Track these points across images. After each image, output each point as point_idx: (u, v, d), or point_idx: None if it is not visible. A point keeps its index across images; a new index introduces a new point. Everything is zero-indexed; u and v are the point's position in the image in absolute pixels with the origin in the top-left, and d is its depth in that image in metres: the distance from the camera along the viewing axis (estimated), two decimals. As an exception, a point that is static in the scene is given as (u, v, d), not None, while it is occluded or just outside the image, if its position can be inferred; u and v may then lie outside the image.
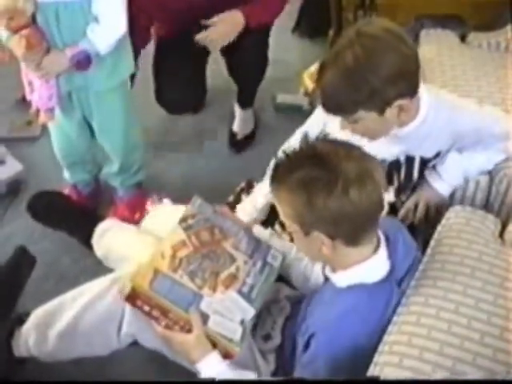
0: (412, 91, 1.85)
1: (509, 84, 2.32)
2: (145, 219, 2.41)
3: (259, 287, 1.91)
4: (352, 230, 1.59)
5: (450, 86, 2.33)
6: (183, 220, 1.98)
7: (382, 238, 1.70)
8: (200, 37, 2.67)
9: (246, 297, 1.88)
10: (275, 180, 1.63)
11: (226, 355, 1.78)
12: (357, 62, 1.75)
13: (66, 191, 2.85)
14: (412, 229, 2.03)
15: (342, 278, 1.69)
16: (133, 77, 2.68)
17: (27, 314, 2.10)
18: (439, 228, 1.91)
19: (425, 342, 1.57)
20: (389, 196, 2.18)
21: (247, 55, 2.79)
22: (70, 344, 2.01)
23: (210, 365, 1.75)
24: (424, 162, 2.13)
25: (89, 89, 2.41)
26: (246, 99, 3.11)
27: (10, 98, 3.25)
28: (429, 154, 2.09)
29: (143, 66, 2.90)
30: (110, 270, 2.19)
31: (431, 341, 1.57)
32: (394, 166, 2.12)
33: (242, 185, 2.56)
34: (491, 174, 2.15)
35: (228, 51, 2.85)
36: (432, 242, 1.86)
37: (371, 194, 1.55)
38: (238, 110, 3.20)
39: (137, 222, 2.47)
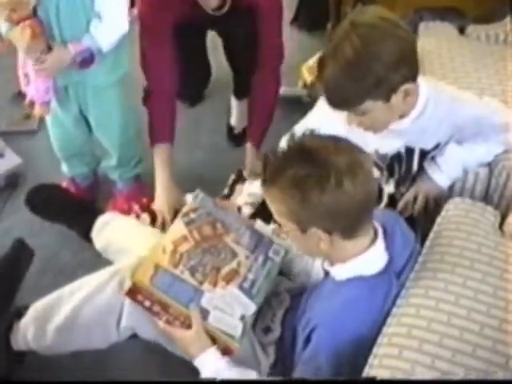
0: (414, 74, 1.84)
1: (508, 76, 2.32)
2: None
3: (261, 282, 1.92)
4: (348, 222, 1.59)
5: (449, 79, 2.32)
6: (185, 214, 1.99)
7: (380, 229, 1.70)
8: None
9: (247, 292, 1.88)
10: (266, 181, 1.62)
11: (226, 351, 1.79)
12: (357, 53, 1.74)
13: (65, 184, 2.84)
14: (411, 221, 2.02)
15: (341, 271, 1.69)
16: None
17: (26, 308, 2.10)
18: (438, 220, 1.91)
19: (424, 334, 1.57)
20: (389, 188, 2.18)
21: (241, 37, 2.79)
22: (69, 337, 2.02)
23: (208, 361, 1.75)
24: (423, 154, 2.13)
25: (86, 83, 2.41)
26: (242, 89, 3.10)
27: (7, 91, 3.24)
28: (428, 146, 2.10)
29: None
30: (108, 263, 2.19)
31: (431, 332, 1.57)
32: (396, 158, 2.13)
33: (233, 176, 2.58)
34: (490, 165, 2.15)
35: (224, 32, 2.90)
36: (431, 234, 1.86)
37: (364, 183, 1.55)
38: (234, 102, 3.20)
39: (136, 215, 2.47)
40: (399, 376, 1.51)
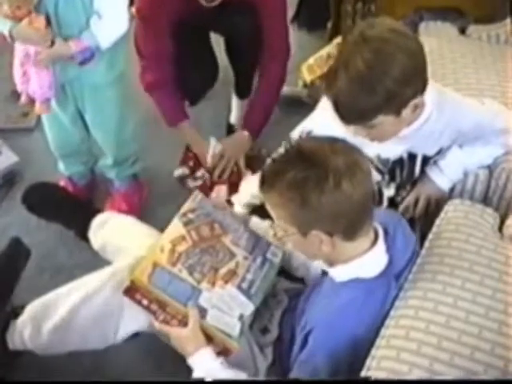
0: (424, 86, 1.83)
1: (509, 77, 2.32)
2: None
3: (259, 283, 1.92)
4: (349, 223, 1.59)
5: (449, 79, 2.33)
6: (183, 215, 1.99)
7: (381, 231, 1.70)
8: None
9: (246, 292, 1.88)
10: (265, 186, 1.62)
11: (225, 351, 1.79)
12: (369, 67, 1.72)
13: (62, 183, 2.84)
14: (411, 223, 2.02)
15: (340, 273, 1.69)
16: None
17: (22, 307, 2.10)
18: (438, 221, 1.91)
19: (422, 336, 1.57)
20: (389, 191, 2.19)
21: (243, 37, 2.80)
22: (65, 338, 2.02)
23: (202, 360, 1.76)
24: (426, 159, 2.13)
25: (83, 82, 2.40)
26: (243, 88, 3.10)
27: (4, 89, 3.23)
28: (431, 152, 2.10)
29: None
30: (106, 263, 2.19)
31: (429, 335, 1.57)
32: (398, 163, 2.13)
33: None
34: (490, 167, 2.15)
35: (226, 31, 2.91)
36: (430, 236, 1.86)
37: (363, 183, 1.55)
38: (235, 100, 3.19)
39: (134, 213, 2.48)
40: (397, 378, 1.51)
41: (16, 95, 2.55)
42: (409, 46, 1.76)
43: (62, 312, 1.99)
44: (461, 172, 2.15)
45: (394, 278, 1.69)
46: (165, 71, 2.76)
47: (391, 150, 2.06)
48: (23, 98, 2.39)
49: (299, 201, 1.53)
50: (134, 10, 2.66)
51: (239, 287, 1.88)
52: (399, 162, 2.12)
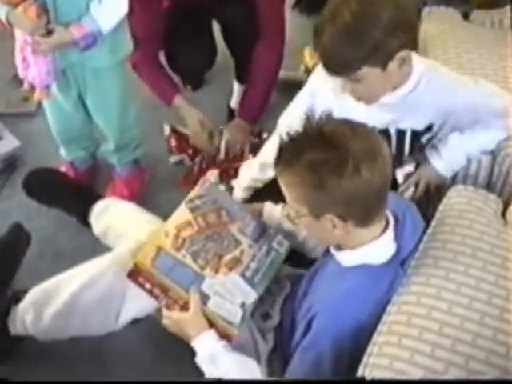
0: (412, 43, 1.83)
1: (512, 62, 2.31)
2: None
3: (263, 272, 1.92)
4: (364, 209, 1.57)
5: (452, 64, 2.31)
6: (190, 201, 1.98)
7: (391, 218, 1.69)
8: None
9: (249, 280, 1.88)
10: (281, 164, 1.59)
11: (225, 337, 1.78)
12: (355, 18, 1.73)
13: (63, 168, 2.84)
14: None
15: (348, 258, 1.68)
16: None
17: (24, 292, 2.10)
18: (441, 207, 1.90)
19: (424, 322, 1.57)
20: None
21: (240, 20, 2.80)
22: (67, 323, 2.02)
23: (205, 343, 1.75)
24: (415, 135, 2.10)
25: (85, 66, 2.39)
26: (243, 72, 3.09)
27: (5, 73, 3.23)
28: (420, 126, 2.06)
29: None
30: (108, 248, 2.19)
31: (431, 321, 1.57)
32: (383, 135, 2.09)
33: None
34: (494, 153, 2.13)
35: (222, 18, 2.91)
36: (433, 222, 1.85)
37: (382, 170, 1.54)
38: (236, 85, 3.19)
39: (135, 199, 2.47)
40: (398, 365, 1.51)
41: (18, 80, 2.55)
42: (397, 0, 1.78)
43: (64, 297, 1.99)
44: (462, 159, 2.14)
45: (400, 264, 1.68)
46: (151, 49, 2.80)
47: (378, 117, 2.03)
48: (25, 85, 2.38)
49: (316, 183, 1.52)
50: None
51: (243, 275, 1.88)
52: (387, 136, 2.09)
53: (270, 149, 2.27)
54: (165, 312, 1.83)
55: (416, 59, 1.91)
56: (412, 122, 2.05)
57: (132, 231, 2.13)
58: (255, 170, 2.35)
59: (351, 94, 1.91)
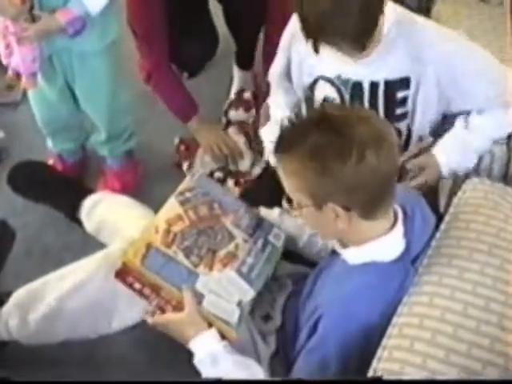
0: None
1: (532, 44, 2.30)
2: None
3: (260, 267, 1.91)
4: (369, 198, 1.56)
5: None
6: (180, 193, 1.98)
7: (400, 213, 1.68)
8: None
9: (245, 277, 1.87)
10: (281, 150, 1.59)
11: (222, 338, 1.78)
12: None
13: (50, 161, 2.83)
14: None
15: (355, 255, 1.67)
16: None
17: (8, 294, 2.10)
18: (455, 201, 1.88)
19: (438, 325, 1.55)
20: None
21: (243, 5, 2.80)
22: (54, 328, 2.02)
23: (204, 343, 1.74)
24: (389, 89, 2.07)
25: (72, 51, 2.38)
26: (245, 58, 3.09)
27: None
28: (392, 75, 2.04)
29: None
30: (98, 245, 2.19)
31: (445, 323, 1.55)
32: (357, 91, 2.09)
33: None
34: (508, 144, 2.13)
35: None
36: (447, 217, 1.83)
37: (388, 156, 1.53)
38: (237, 71, 3.19)
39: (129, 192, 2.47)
40: (410, 370, 1.49)
41: (1, 67, 2.54)
42: None
43: (51, 300, 1.98)
44: (471, 159, 2.12)
45: (411, 263, 1.67)
46: (160, 53, 2.76)
47: (351, 69, 2.04)
48: (9, 72, 2.37)
49: (319, 169, 1.51)
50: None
51: (239, 271, 1.87)
52: (358, 88, 2.08)
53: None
54: (157, 319, 1.81)
55: (390, 7, 1.91)
56: (385, 72, 2.04)
57: (125, 228, 2.13)
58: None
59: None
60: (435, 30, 2.02)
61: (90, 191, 2.51)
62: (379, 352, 1.55)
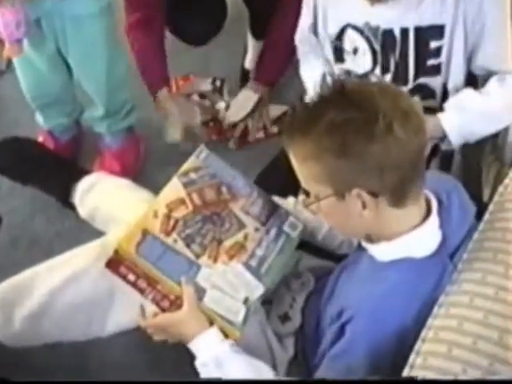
0: None
1: None
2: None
3: (271, 260, 1.90)
4: (399, 180, 1.54)
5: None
6: (184, 174, 1.96)
7: (434, 201, 1.66)
8: None
9: (254, 271, 1.86)
10: (294, 133, 1.57)
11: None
12: None
13: (40, 138, 2.84)
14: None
15: (385, 251, 1.65)
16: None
17: (-9, 288, 2.10)
18: (501, 189, 1.86)
19: (479, 329, 1.52)
20: None
21: None
22: (41, 328, 2.01)
23: (207, 343, 1.73)
24: (421, 37, 2.10)
25: (63, 14, 2.37)
26: (259, 26, 3.08)
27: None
28: (424, 21, 2.06)
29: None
30: (93, 234, 2.19)
31: (487, 327, 1.53)
32: (388, 40, 2.12)
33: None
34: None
35: None
36: (491, 206, 1.81)
37: (418, 130, 1.52)
38: (251, 41, 3.20)
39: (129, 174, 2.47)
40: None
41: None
42: None
43: (40, 295, 1.98)
44: (475, 120, 2.12)
45: (449, 258, 1.65)
46: (150, 12, 2.75)
47: (380, 14, 2.08)
48: (-8, 38, 2.37)
49: (339, 149, 1.48)
50: None
51: (247, 264, 1.86)
52: (390, 37, 2.11)
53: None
54: (152, 322, 1.80)
55: None
56: (415, 17, 2.06)
57: (124, 214, 2.12)
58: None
59: None
60: None
61: (85, 172, 2.52)
62: (412, 358, 1.53)
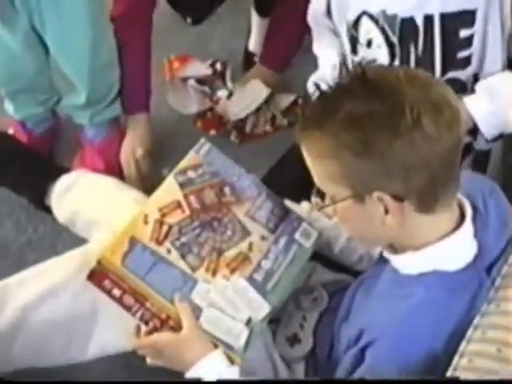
0: None
1: None
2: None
3: (280, 275, 1.90)
4: (428, 183, 1.53)
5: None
6: (181, 172, 1.96)
7: (468, 206, 1.66)
8: None
9: (259, 286, 1.86)
10: (307, 127, 1.57)
11: None
12: None
13: (11, 130, 2.84)
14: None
15: (411, 263, 1.65)
16: None
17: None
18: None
19: (523, 356, 1.54)
20: None
21: None
22: (12, 351, 2.02)
23: (213, 368, 1.74)
24: (448, 26, 2.10)
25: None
26: (265, 2, 3.08)
27: None
28: (451, 7, 2.06)
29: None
30: (74, 242, 2.21)
31: (532, 354, 1.54)
32: (408, 31, 2.13)
33: None
34: None
35: None
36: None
37: (451, 125, 1.50)
38: (256, 19, 3.22)
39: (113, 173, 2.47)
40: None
41: None
42: None
43: (10, 314, 1.99)
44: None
45: (485, 271, 1.65)
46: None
47: (399, 0, 2.09)
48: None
49: (359, 146, 1.48)
50: None
51: (251, 279, 1.86)
52: (410, 26, 2.11)
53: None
54: (146, 341, 1.80)
55: None
56: (441, 2, 2.07)
57: (109, 218, 2.13)
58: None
59: None
60: None
61: (63, 170, 2.53)
62: (442, 388, 1.54)
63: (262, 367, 1.88)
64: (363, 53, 2.20)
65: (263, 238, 1.94)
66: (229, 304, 1.82)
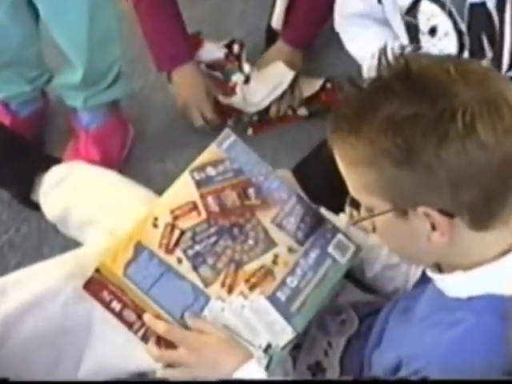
0: None
1: None
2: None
3: (307, 294, 1.89)
4: (482, 198, 1.51)
5: None
6: (199, 168, 1.95)
7: None
8: None
9: (282, 307, 1.85)
10: (340, 129, 1.55)
11: None
12: None
13: (-8, 112, 2.84)
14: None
15: (460, 285, 1.64)
16: None
17: None
18: None
19: None
20: None
21: None
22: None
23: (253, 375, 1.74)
24: None
25: None
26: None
27: None
28: None
29: None
30: (64, 243, 2.21)
31: None
32: (479, 16, 2.13)
33: None
34: None
35: None
36: None
37: (510, 129, 1.48)
38: None
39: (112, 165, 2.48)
40: None
41: None
42: None
43: (-9, 324, 1.99)
44: None
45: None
46: None
47: None
48: None
49: (400, 154, 1.47)
50: None
51: (273, 298, 1.85)
52: (482, 15, 2.11)
53: None
54: (188, 332, 1.80)
55: None
56: None
57: (108, 217, 2.14)
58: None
59: None
60: None
61: (54, 160, 2.54)
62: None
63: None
64: (426, 43, 2.19)
65: (291, 250, 1.92)
66: (245, 326, 1.81)
